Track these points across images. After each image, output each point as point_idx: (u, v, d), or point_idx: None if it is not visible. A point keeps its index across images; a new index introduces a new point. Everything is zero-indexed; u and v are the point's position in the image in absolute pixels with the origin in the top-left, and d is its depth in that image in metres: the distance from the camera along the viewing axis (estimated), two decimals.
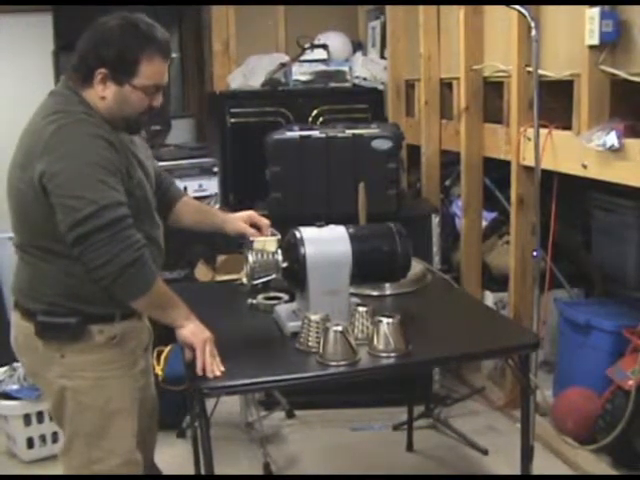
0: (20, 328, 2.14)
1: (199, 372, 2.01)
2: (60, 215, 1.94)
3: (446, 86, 4.14)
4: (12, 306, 2.19)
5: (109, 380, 2.12)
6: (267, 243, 2.28)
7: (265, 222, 2.41)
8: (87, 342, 2.08)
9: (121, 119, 2.07)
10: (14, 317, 2.17)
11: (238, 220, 2.40)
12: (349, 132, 3.57)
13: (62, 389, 2.10)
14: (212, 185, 4.53)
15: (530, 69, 3.16)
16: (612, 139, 2.69)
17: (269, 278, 2.23)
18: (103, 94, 2.03)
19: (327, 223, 2.34)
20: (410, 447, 3.41)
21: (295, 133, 3.57)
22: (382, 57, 4.82)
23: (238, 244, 2.38)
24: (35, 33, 4.69)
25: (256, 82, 4.65)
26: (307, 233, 2.27)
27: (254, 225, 2.39)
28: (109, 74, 2.01)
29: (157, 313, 2.09)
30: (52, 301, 2.07)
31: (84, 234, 1.91)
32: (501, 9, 3.32)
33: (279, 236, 2.33)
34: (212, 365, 2.01)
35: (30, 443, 3.35)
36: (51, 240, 2.02)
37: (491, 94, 3.74)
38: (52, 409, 2.19)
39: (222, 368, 2.01)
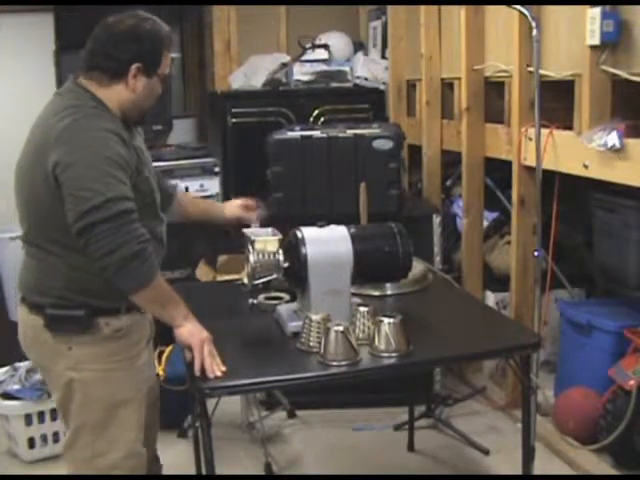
0: (28, 322, 2.16)
1: (196, 373, 2.01)
2: (68, 205, 1.98)
3: (447, 86, 4.14)
4: (18, 303, 2.20)
5: (115, 372, 2.14)
6: (268, 243, 2.28)
7: (252, 203, 2.60)
8: (94, 334, 2.11)
9: (139, 111, 2.18)
10: (21, 312, 2.18)
11: (234, 206, 2.60)
12: (350, 132, 3.57)
13: (70, 381, 2.12)
14: (213, 185, 4.54)
15: (531, 69, 3.16)
16: (613, 139, 2.69)
17: (270, 278, 2.22)
18: (134, 87, 2.12)
19: (328, 223, 2.34)
20: (411, 447, 3.41)
21: (296, 133, 3.58)
22: (383, 57, 4.82)
23: (239, 244, 2.38)
24: (36, 33, 4.69)
25: (257, 82, 4.65)
26: (308, 233, 2.27)
27: (248, 208, 2.59)
28: (142, 67, 2.11)
29: (156, 309, 2.10)
30: (60, 294, 2.09)
31: (90, 224, 1.94)
32: (502, 9, 3.32)
33: (280, 236, 2.33)
34: (212, 365, 2.01)
35: (31, 443, 3.34)
36: (59, 231, 2.04)
37: (492, 94, 3.74)
38: (59, 402, 2.20)
39: (223, 368, 2.02)
